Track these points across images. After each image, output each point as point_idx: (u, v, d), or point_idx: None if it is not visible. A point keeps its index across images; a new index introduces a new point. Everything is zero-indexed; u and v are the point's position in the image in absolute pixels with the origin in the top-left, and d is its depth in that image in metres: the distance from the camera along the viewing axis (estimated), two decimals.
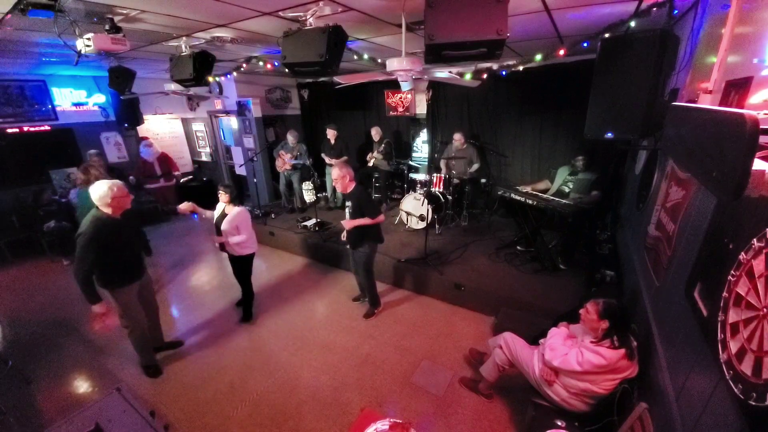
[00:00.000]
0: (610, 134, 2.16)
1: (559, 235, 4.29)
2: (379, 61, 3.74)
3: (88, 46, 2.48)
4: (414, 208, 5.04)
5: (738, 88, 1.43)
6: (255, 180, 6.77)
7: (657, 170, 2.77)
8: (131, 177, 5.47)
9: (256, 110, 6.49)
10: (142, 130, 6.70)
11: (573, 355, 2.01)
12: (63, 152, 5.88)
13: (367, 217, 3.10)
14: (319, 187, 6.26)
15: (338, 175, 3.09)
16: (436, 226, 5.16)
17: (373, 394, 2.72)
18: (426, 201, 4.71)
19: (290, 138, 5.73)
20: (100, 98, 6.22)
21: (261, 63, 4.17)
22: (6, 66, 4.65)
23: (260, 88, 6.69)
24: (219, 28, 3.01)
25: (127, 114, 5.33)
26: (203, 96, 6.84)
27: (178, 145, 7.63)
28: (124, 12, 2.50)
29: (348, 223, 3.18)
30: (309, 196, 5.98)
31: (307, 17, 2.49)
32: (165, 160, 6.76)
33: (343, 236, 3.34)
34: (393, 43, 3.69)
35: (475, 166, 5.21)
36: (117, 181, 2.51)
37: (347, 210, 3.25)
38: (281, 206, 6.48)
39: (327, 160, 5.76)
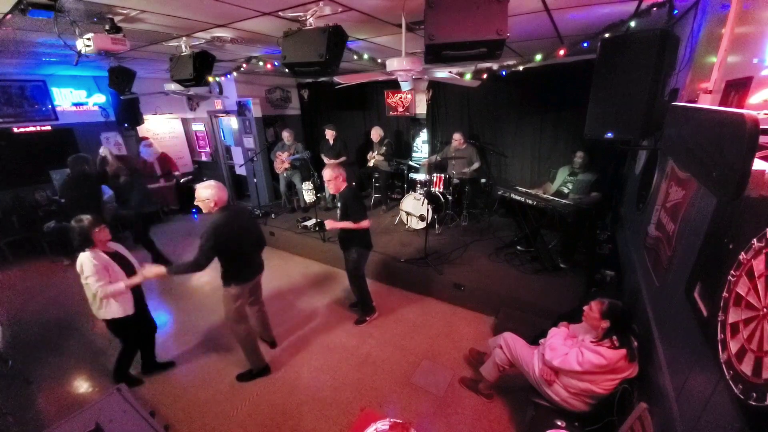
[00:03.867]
0: (610, 134, 2.16)
1: (559, 235, 4.29)
2: (379, 61, 3.74)
3: (88, 46, 2.48)
4: (414, 208, 5.04)
5: (738, 88, 1.43)
6: (255, 180, 6.78)
7: (657, 170, 2.77)
8: (123, 178, 5.25)
9: (256, 110, 6.49)
10: (142, 130, 6.70)
11: (573, 355, 2.01)
12: (63, 152, 5.87)
13: (350, 221, 3.06)
14: (320, 187, 6.26)
15: (331, 176, 3.04)
16: (436, 226, 5.16)
17: (373, 394, 2.72)
18: (426, 201, 4.72)
19: (286, 135, 5.75)
20: (100, 98, 6.22)
21: (261, 63, 4.17)
22: (6, 66, 4.65)
23: (260, 88, 6.69)
24: (219, 28, 3.01)
25: (127, 114, 5.33)
26: (203, 96, 6.87)
27: (178, 145, 7.63)
28: (124, 12, 2.49)
29: (329, 223, 3.13)
30: (309, 196, 5.99)
31: (307, 17, 2.49)
32: (165, 160, 6.76)
33: (327, 228, 3.21)
34: (393, 43, 3.69)
35: (475, 166, 5.20)
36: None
37: (338, 211, 3.22)
38: (281, 206, 6.48)
39: (326, 160, 5.76)
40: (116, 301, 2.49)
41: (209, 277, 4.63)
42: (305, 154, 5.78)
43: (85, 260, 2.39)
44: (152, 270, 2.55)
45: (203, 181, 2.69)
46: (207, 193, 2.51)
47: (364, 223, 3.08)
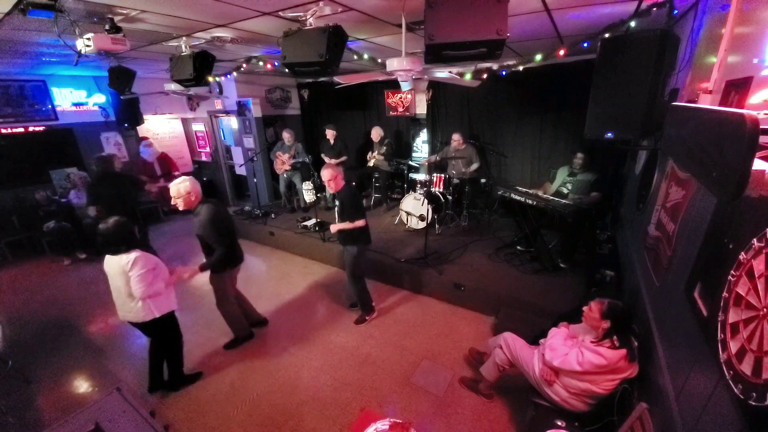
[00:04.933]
0: (610, 134, 2.16)
1: (559, 235, 4.29)
2: (379, 61, 3.74)
3: (88, 46, 2.48)
4: (414, 208, 5.04)
5: (738, 88, 1.43)
6: (255, 180, 6.78)
7: (657, 170, 2.77)
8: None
9: (256, 110, 6.49)
10: (142, 130, 6.70)
11: (573, 355, 2.01)
12: (63, 152, 5.88)
13: (347, 221, 3.11)
14: (320, 187, 6.26)
15: (330, 176, 3.06)
16: (436, 226, 5.16)
17: (373, 394, 2.72)
18: (426, 201, 4.72)
19: (286, 136, 5.75)
20: (100, 98, 6.22)
21: (261, 63, 4.17)
22: (6, 66, 4.65)
23: (260, 88, 6.69)
24: (219, 28, 3.01)
25: (127, 114, 5.32)
26: (203, 96, 6.86)
27: (178, 145, 7.63)
28: (124, 12, 2.50)
29: (333, 227, 3.22)
30: (309, 196, 5.99)
31: (307, 17, 2.49)
32: (165, 160, 6.75)
33: (331, 232, 3.31)
34: (393, 43, 3.69)
35: (475, 166, 5.20)
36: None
37: (336, 210, 3.26)
38: (281, 206, 6.48)
39: (326, 160, 5.76)
40: (160, 298, 2.47)
41: (208, 276, 4.62)
42: (306, 158, 5.78)
43: (139, 259, 2.31)
44: (188, 271, 2.67)
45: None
46: (185, 186, 2.65)
47: (359, 222, 3.13)
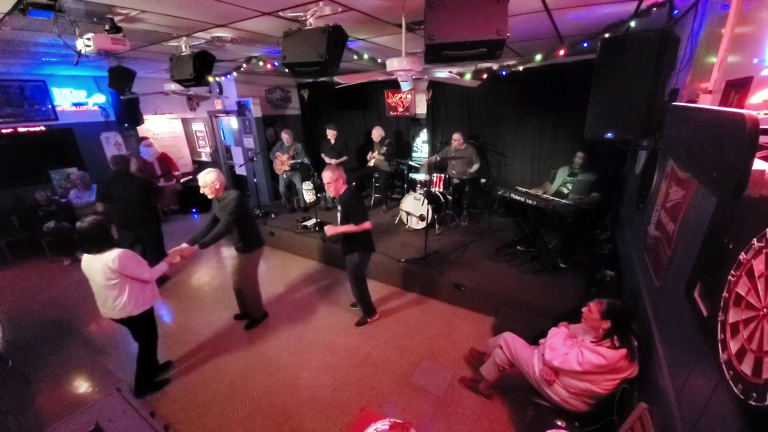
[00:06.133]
0: (610, 134, 2.17)
1: (559, 235, 4.28)
2: (379, 61, 3.74)
3: (88, 46, 2.49)
4: (414, 208, 5.05)
5: (738, 88, 1.43)
6: (255, 180, 6.78)
7: (657, 170, 2.77)
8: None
9: (256, 110, 6.49)
10: (142, 130, 6.70)
11: (573, 355, 2.01)
12: (63, 152, 5.88)
13: (351, 224, 3.00)
14: (320, 187, 6.26)
15: (330, 179, 2.98)
16: (436, 226, 5.16)
17: (373, 394, 2.72)
18: (426, 201, 4.72)
19: (285, 137, 5.74)
20: (100, 98, 6.23)
21: (261, 63, 4.17)
22: (6, 66, 4.66)
23: (260, 88, 6.69)
24: (219, 28, 3.01)
25: (127, 114, 5.33)
26: (203, 96, 6.85)
27: (178, 145, 7.63)
28: (124, 12, 2.50)
29: (329, 229, 3.09)
30: (309, 196, 5.99)
31: (307, 17, 2.49)
32: (165, 160, 6.75)
33: (327, 234, 3.16)
34: (393, 43, 3.69)
35: (475, 166, 5.19)
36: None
37: (338, 214, 3.16)
38: (281, 206, 6.48)
39: (327, 160, 5.76)
40: (144, 292, 2.54)
41: (208, 277, 4.64)
42: (305, 159, 5.77)
43: (123, 254, 2.36)
44: (188, 250, 2.78)
45: None
46: (211, 177, 2.92)
47: (366, 225, 3.03)
